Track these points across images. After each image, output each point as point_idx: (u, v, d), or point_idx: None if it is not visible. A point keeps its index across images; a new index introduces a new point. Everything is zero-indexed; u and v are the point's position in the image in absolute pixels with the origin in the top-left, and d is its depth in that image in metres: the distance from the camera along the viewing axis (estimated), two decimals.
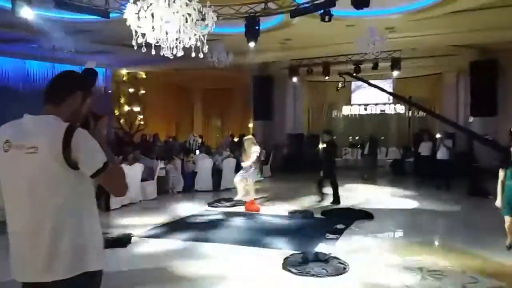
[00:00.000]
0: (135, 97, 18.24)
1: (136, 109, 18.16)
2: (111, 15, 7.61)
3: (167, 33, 5.00)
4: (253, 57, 13.28)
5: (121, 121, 17.65)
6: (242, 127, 19.16)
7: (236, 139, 16.30)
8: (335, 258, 4.99)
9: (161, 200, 9.98)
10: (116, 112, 17.59)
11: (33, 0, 6.32)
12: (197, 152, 12.71)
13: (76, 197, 1.75)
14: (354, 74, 14.10)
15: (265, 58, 14.39)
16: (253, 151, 8.59)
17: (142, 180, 9.82)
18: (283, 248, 5.54)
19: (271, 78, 17.18)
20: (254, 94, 17.42)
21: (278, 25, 10.36)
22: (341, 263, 4.82)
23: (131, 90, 18.02)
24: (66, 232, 1.71)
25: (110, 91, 17.01)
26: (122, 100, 18.01)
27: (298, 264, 4.69)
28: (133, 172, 9.42)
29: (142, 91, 18.30)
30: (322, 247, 5.28)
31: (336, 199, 9.14)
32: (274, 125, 17.62)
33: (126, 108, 17.98)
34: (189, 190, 11.10)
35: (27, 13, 6.05)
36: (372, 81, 17.45)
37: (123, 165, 9.00)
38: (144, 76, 18.48)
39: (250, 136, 9.74)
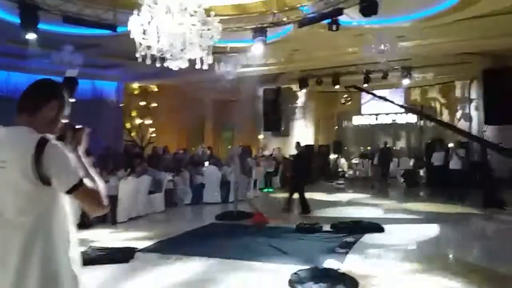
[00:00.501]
0: (147, 110, 18.38)
1: (148, 122, 18.29)
2: (119, 29, 7.66)
3: (171, 44, 4.98)
4: (262, 68, 13.30)
5: (132, 134, 17.78)
6: (252, 139, 19.09)
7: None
8: (344, 274, 4.80)
9: (168, 213, 9.91)
10: (128, 125, 17.74)
11: (42, 16, 6.39)
12: (206, 164, 12.65)
13: (49, 217, 1.60)
14: (364, 86, 13.97)
15: (274, 69, 14.38)
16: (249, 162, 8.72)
17: (150, 192, 9.78)
18: (290, 263, 5.37)
19: (281, 89, 17.15)
20: (264, 106, 17.39)
21: (286, 36, 10.32)
22: (351, 280, 4.63)
23: (142, 103, 18.16)
24: (35, 256, 1.56)
25: (121, 105, 17.17)
26: (133, 113, 18.16)
27: (305, 280, 4.52)
28: (141, 184, 9.41)
29: (154, 104, 18.44)
30: (331, 262, 5.10)
31: (305, 208, 9.19)
32: (283, 136, 17.54)
33: (138, 121, 18.12)
34: (197, 202, 11.03)
35: (31, 36, 6.14)
36: (382, 91, 17.31)
37: (129, 178, 9.01)
38: (156, 90, 18.63)
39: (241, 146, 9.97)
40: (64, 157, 1.59)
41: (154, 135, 18.26)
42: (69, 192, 1.59)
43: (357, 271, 5.00)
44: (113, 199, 8.56)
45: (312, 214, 9.17)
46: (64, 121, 1.78)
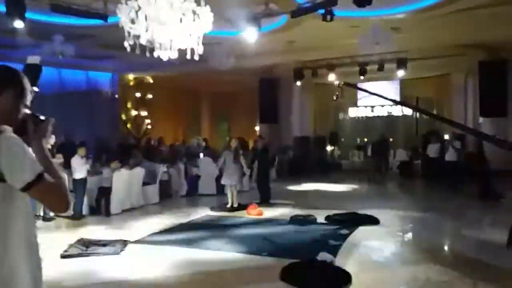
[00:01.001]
0: (142, 101, 18.28)
1: (144, 113, 18.20)
2: (111, 19, 7.54)
3: (160, 34, 4.90)
4: (258, 59, 13.20)
5: (128, 125, 17.70)
6: (249, 130, 19.05)
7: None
8: (337, 267, 4.78)
9: (163, 204, 9.88)
10: (123, 117, 17.65)
11: (30, 4, 6.27)
12: (201, 155, 12.60)
13: (3, 216, 1.46)
14: (360, 78, 13.88)
15: (270, 60, 14.29)
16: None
17: (144, 184, 9.74)
18: (282, 256, 5.34)
19: (277, 81, 17.06)
20: (260, 97, 17.32)
21: (281, 27, 10.24)
22: (343, 272, 4.60)
23: (138, 94, 18.05)
24: None
25: (116, 96, 17.06)
26: (129, 105, 18.06)
27: (296, 274, 4.49)
28: (135, 176, 9.37)
29: (149, 96, 18.34)
30: (323, 255, 5.08)
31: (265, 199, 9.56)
32: (280, 127, 17.49)
33: (134, 112, 18.02)
34: (192, 194, 10.99)
35: (19, 24, 6.01)
36: (378, 83, 17.25)
37: (123, 170, 8.95)
38: (151, 81, 18.51)
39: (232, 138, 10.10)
40: (19, 151, 1.44)
41: (150, 126, 18.21)
42: (24, 189, 1.44)
43: (351, 264, 4.99)
44: (107, 190, 8.53)
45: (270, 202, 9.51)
46: (25, 111, 1.64)
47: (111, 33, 10.54)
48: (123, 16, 4.88)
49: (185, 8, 4.88)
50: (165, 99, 18.60)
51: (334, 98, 12.64)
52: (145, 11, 4.80)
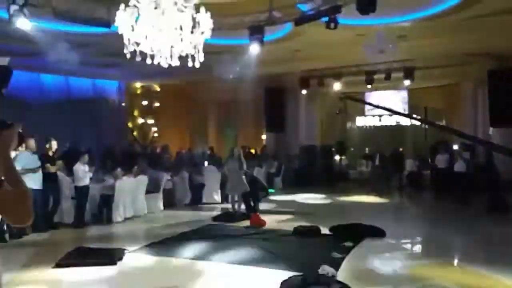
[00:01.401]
0: (149, 109, 18.34)
1: (150, 121, 18.24)
2: (114, 27, 7.53)
3: (160, 41, 4.84)
4: (263, 68, 13.14)
5: (135, 133, 17.74)
6: (256, 139, 18.97)
7: (252, 151, 16.05)
8: (339, 282, 4.60)
9: (166, 213, 9.79)
10: (130, 125, 17.71)
11: (33, 12, 6.27)
12: (206, 164, 12.52)
13: None
14: (367, 86, 13.74)
15: (275, 69, 14.22)
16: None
17: (148, 192, 9.67)
18: (282, 269, 5.19)
19: (283, 90, 16.97)
20: (266, 106, 17.24)
21: (286, 36, 10.17)
22: (345, 287, 4.43)
23: (145, 102, 18.12)
24: None
25: (123, 104, 17.12)
26: (135, 113, 18.13)
27: None
28: (138, 184, 9.30)
29: (156, 104, 18.39)
30: (325, 269, 4.91)
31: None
32: (286, 136, 17.36)
33: (140, 120, 18.08)
34: (196, 203, 10.89)
35: (24, 24, 5.98)
36: (385, 92, 17.08)
37: (125, 178, 8.89)
38: (158, 89, 18.58)
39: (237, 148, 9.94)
40: None
41: (156, 134, 18.24)
42: None
43: (353, 278, 4.82)
44: (109, 198, 8.47)
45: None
46: None
47: (117, 41, 10.65)
48: (122, 22, 4.83)
49: (185, 14, 4.82)
50: (172, 107, 18.62)
51: (337, 112, 12.52)
52: (144, 17, 4.75)
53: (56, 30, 9.37)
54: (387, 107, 15.01)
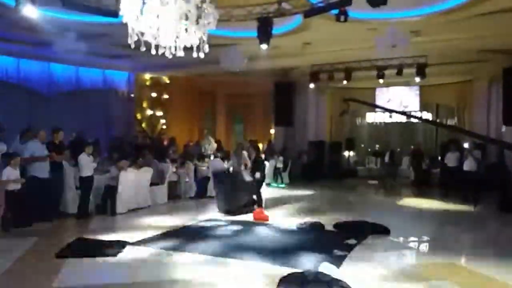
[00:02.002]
0: (158, 101, 18.33)
1: (159, 113, 18.24)
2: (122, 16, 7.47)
3: (165, 31, 4.77)
4: (272, 62, 13.01)
5: (143, 125, 17.76)
6: (264, 133, 18.89)
7: (260, 145, 15.93)
8: (339, 280, 4.50)
9: (170, 205, 9.77)
10: (139, 116, 17.73)
11: (41, 0, 6.23)
12: (212, 157, 12.46)
13: None
14: (379, 81, 13.52)
15: (285, 63, 14.07)
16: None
17: (153, 184, 9.65)
18: (282, 265, 5.11)
19: (293, 84, 16.84)
20: (275, 100, 17.13)
21: (296, 28, 10.02)
22: (345, 286, 4.34)
23: (154, 94, 18.11)
24: None
25: (132, 95, 17.14)
26: (144, 104, 18.13)
27: (294, 286, 4.24)
28: (142, 176, 9.28)
29: (165, 96, 18.37)
30: (326, 266, 4.82)
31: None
32: (295, 131, 17.24)
33: (149, 112, 18.09)
34: (201, 196, 10.85)
35: (30, 11, 5.94)
36: (397, 88, 16.81)
37: (130, 169, 8.87)
38: (168, 81, 18.55)
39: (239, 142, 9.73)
40: None
41: (164, 126, 18.24)
42: None
43: (354, 276, 4.72)
44: (113, 189, 8.47)
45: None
46: None
47: (127, 31, 10.62)
48: (126, 11, 4.76)
49: (190, 5, 4.73)
50: (181, 99, 18.58)
51: (340, 114, 12.32)
52: (149, 6, 4.68)
53: (66, 20, 9.37)
54: (390, 108, 14.82)
